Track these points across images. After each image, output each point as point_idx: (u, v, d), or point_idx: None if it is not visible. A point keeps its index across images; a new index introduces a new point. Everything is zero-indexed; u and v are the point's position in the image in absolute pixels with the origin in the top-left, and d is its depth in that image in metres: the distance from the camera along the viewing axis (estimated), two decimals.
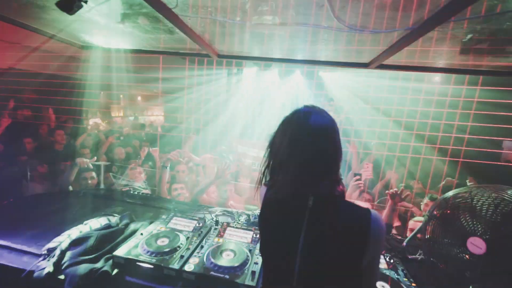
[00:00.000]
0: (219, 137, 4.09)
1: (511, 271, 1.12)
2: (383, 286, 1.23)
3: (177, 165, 2.97)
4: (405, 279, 1.32)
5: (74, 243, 1.45)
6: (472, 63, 1.78)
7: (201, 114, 3.76)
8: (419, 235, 1.66)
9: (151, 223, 1.68)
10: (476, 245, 1.25)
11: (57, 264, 1.36)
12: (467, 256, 1.29)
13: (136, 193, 2.47)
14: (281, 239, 0.84)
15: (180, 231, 1.60)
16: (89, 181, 2.91)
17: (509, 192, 1.27)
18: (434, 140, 2.52)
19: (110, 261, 1.34)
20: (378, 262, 0.82)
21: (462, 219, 1.36)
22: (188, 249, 1.42)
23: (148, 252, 1.35)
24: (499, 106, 2.20)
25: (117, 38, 2.35)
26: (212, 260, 1.31)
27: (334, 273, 0.78)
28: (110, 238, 1.49)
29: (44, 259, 1.43)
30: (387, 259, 1.49)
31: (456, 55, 1.61)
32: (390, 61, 1.72)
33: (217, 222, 1.76)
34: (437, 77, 2.81)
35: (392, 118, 2.70)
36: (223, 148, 3.95)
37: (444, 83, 2.71)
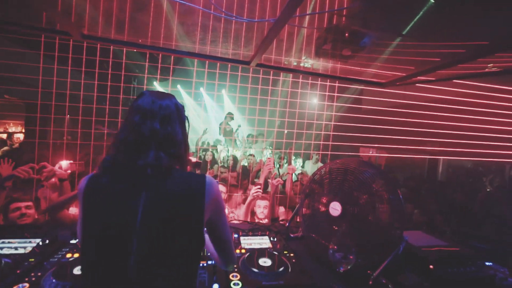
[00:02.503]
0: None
1: (357, 221, 1.36)
2: (265, 262, 1.23)
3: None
4: (285, 252, 1.38)
5: None
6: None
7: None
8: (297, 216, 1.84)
9: None
10: (335, 208, 1.47)
11: None
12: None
13: None
14: (116, 220, 0.72)
15: (6, 255, 1.13)
16: None
17: (352, 164, 1.58)
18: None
19: None
20: (224, 228, 0.87)
21: (324, 191, 1.59)
22: (14, 274, 0.99)
23: (54, 284, 0.86)
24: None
25: None
26: (55, 279, 0.96)
27: (177, 242, 0.74)
28: None
29: None
30: (271, 238, 1.54)
31: (314, 56, 2.00)
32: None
33: (74, 236, 1.36)
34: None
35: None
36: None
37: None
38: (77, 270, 1.03)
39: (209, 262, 1.20)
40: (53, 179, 2.29)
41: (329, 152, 2.89)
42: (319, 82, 3.06)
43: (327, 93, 2.95)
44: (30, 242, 1.26)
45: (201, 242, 0.79)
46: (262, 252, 1.33)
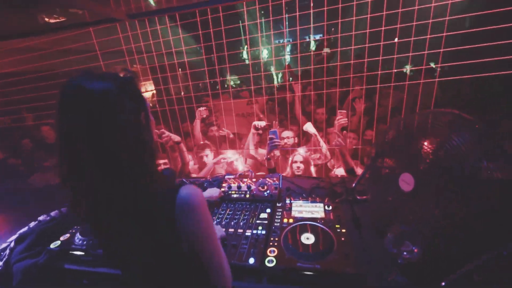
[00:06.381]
0: None
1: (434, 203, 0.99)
2: (308, 238, 1.16)
3: None
4: (337, 226, 1.24)
5: (19, 241, 1.50)
6: None
7: None
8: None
9: None
10: (406, 181, 1.11)
11: (7, 263, 1.43)
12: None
13: None
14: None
15: None
16: None
17: (437, 123, 1.06)
18: None
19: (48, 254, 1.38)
20: (210, 243, 0.73)
21: (391, 157, 1.20)
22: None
23: (80, 240, 1.37)
24: None
25: None
26: None
27: (160, 273, 0.75)
28: (51, 232, 1.52)
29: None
30: (326, 207, 1.40)
31: None
32: None
33: None
34: None
35: None
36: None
37: None
38: None
39: (254, 232, 1.25)
40: (170, 142, 2.84)
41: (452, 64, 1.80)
42: None
43: None
44: None
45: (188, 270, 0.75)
46: (308, 226, 1.24)
